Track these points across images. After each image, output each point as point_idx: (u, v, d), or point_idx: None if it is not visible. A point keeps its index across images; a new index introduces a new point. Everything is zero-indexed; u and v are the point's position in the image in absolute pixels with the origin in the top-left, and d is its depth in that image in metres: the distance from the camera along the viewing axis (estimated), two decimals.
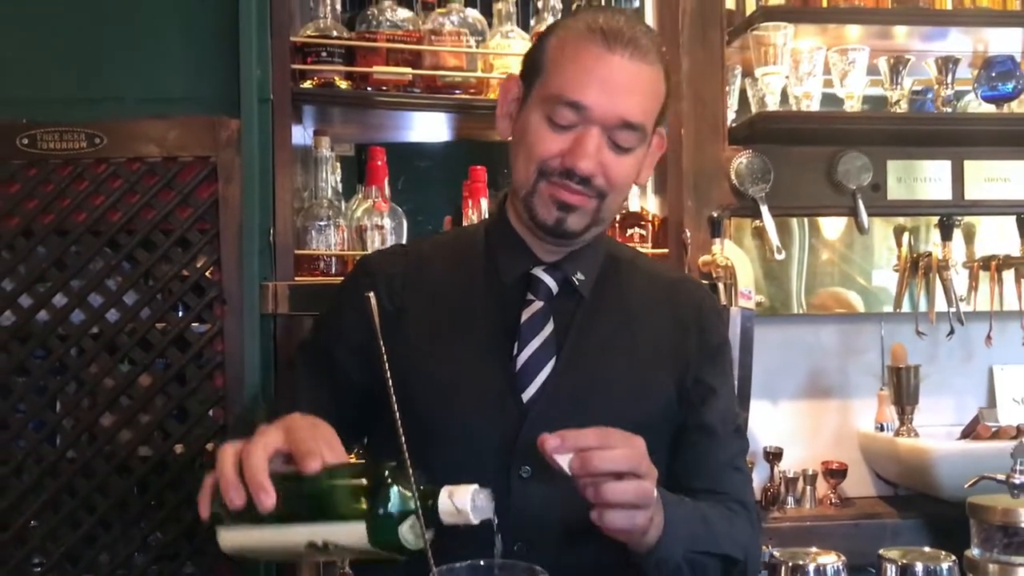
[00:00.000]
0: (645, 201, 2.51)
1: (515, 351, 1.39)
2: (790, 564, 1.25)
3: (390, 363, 1.18)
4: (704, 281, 2.28)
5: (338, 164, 2.35)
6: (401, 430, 1.02)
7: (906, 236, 2.56)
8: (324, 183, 2.24)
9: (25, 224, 1.96)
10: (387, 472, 1.02)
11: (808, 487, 2.47)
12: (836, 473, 2.49)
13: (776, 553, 1.29)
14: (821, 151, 2.48)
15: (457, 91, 2.22)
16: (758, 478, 2.48)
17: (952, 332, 2.48)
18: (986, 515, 1.28)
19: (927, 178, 2.55)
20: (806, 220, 2.58)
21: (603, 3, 2.44)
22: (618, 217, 2.38)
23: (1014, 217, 2.52)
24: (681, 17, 2.37)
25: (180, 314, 1.99)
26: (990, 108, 2.55)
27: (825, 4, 2.44)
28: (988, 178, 2.56)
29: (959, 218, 2.58)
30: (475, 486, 1.02)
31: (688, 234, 2.33)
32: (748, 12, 2.48)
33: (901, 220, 2.59)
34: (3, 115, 1.98)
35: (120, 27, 2.04)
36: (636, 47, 1.34)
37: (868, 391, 2.59)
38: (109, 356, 1.97)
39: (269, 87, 2.07)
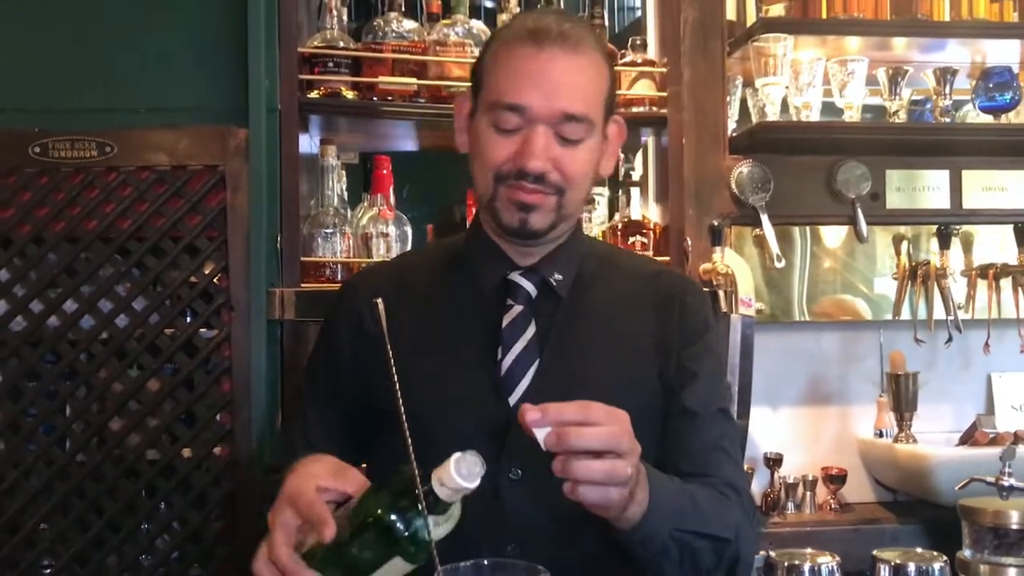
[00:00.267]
0: (647, 210, 2.53)
1: (499, 356, 1.41)
2: (786, 564, 1.27)
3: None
4: (705, 288, 2.31)
5: (344, 172, 2.38)
6: (407, 429, 1.05)
7: (905, 245, 2.57)
8: (330, 191, 2.27)
9: (36, 231, 1.99)
10: (388, 499, 1.04)
11: (808, 493, 2.48)
12: (836, 479, 2.50)
13: (773, 554, 1.31)
14: (821, 160, 2.49)
15: None
16: (758, 484, 2.50)
17: (950, 340, 2.49)
18: (977, 517, 1.31)
19: (926, 187, 2.56)
20: (808, 229, 2.59)
21: (601, 11, 2.46)
22: (620, 225, 2.41)
23: (1011, 226, 2.53)
24: (683, 28, 2.39)
25: (188, 320, 2.02)
26: (988, 118, 2.57)
27: (825, 16, 2.46)
28: (986, 187, 2.57)
29: (957, 227, 2.59)
30: (453, 458, 1.03)
31: (689, 242, 2.35)
32: (749, 23, 2.50)
33: (901, 229, 2.60)
34: (16, 124, 2.01)
35: (131, 39, 2.07)
36: (565, 40, 1.36)
37: (867, 398, 2.61)
38: (118, 361, 2.00)
39: (277, 97, 2.10)
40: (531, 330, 1.43)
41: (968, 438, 2.42)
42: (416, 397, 1.16)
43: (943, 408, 2.62)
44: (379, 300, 1.13)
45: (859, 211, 2.48)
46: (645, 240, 2.38)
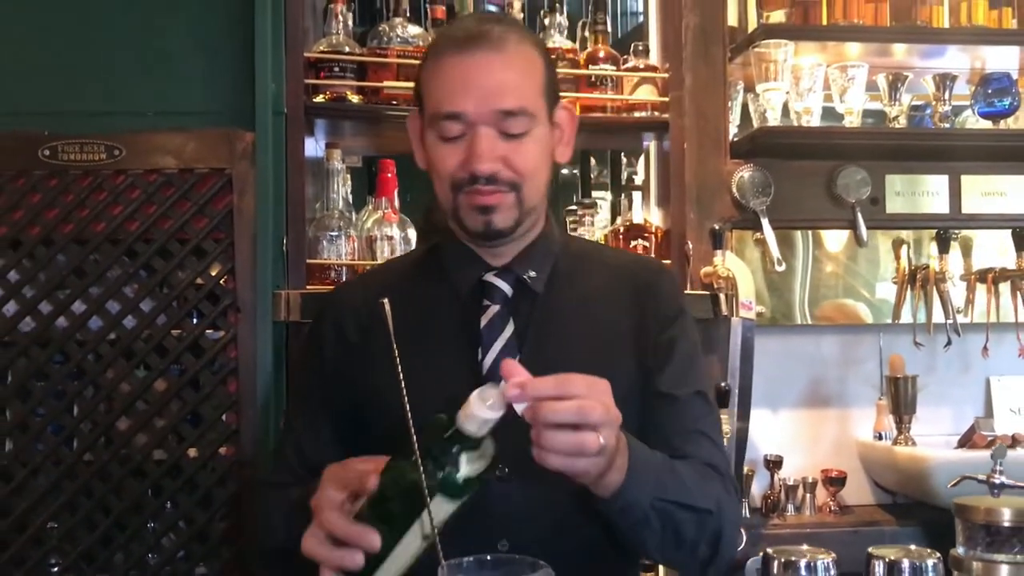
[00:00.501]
0: (648, 213, 2.56)
1: (480, 356, 1.43)
2: (782, 560, 1.29)
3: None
4: (706, 292, 2.33)
5: (348, 176, 2.40)
6: (410, 419, 1.08)
7: (905, 249, 2.59)
8: (335, 194, 2.29)
9: (46, 233, 2.01)
10: (422, 446, 1.09)
11: (808, 495, 2.49)
12: (835, 481, 2.52)
13: (770, 550, 1.33)
14: (821, 165, 2.52)
15: None
16: (758, 486, 2.52)
17: (949, 343, 2.51)
18: (970, 515, 1.33)
19: (925, 192, 2.58)
20: (809, 233, 2.60)
21: (604, 16, 2.49)
22: (622, 229, 2.43)
23: (1010, 230, 2.55)
24: (684, 34, 2.41)
25: (195, 321, 2.04)
26: (987, 124, 2.59)
27: (825, 22, 2.48)
28: (985, 192, 2.59)
29: (956, 231, 2.61)
30: (475, 393, 1.08)
31: (690, 246, 2.38)
32: (750, 29, 2.53)
33: (902, 233, 2.61)
34: (26, 127, 2.03)
35: (139, 44, 2.10)
36: (486, 40, 1.39)
37: (867, 401, 2.62)
38: (126, 362, 2.02)
39: (283, 101, 2.12)
40: (509, 329, 1.44)
41: (966, 441, 2.44)
42: (399, 400, 1.19)
43: (942, 411, 2.63)
44: (385, 300, 1.15)
45: (859, 215, 2.50)
46: (647, 243, 2.40)
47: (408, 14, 2.37)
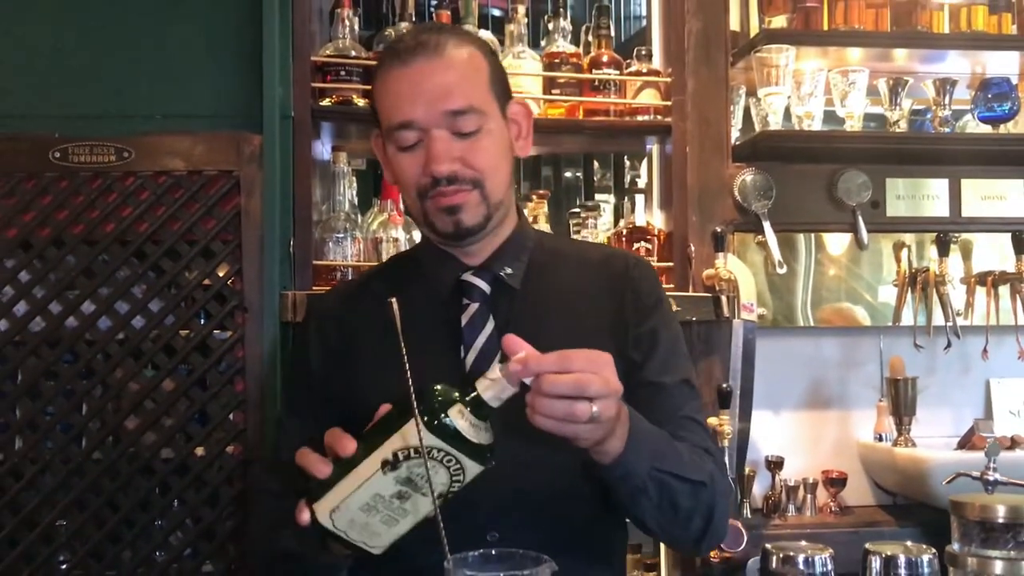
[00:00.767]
0: (651, 216, 2.57)
1: (462, 354, 1.46)
2: (780, 555, 1.32)
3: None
4: (707, 294, 2.35)
5: (354, 178, 2.43)
6: (417, 413, 1.12)
7: (905, 252, 2.60)
8: (341, 197, 2.31)
9: (56, 234, 2.03)
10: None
11: (809, 495, 2.51)
12: (836, 482, 2.53)
13: (768, 546, 1.35)
14: (822, 169, 2.54)
15: None
16: (759, 486, 2.54)
17: (949, 345, 2.53)
18: (965, 511, 1.35)
19: (925, 196, 2.60)
20: (812, 236, 2.62)
21: (607, 21, 2.50)
22: (624, 231, 2.45)
23: (1009, 234, 2.56)
24: (687, 39, 2.43)
25: (203, 321, 2.06)
26: (987, 128, 2.61)
27: (826, 27, 2.51)
28: (984, 196, 2.61)
29: (956, 235, 2.63)
30: (496, 365, 1.15)
31: (692, 248, 2.39)
32: (752, 34, 2.55)
33: (904, 236, 2.63)
34: (37, 130, 2.06)
35: (148, 47, 2.12)
36: (424, 48, 1.42)
37: (867, 402, 2.64)
38: (134, 361, 2.04)
39: (290, 104, 2.15)
40: (490, 325, 1.47)
41: (966, 442, 2.46)
42: (384, 401, 1.21)
43: (942, 413, 2.65)
44: (393, 300, 1.17)
45: (859, 219, 2.52)
46: (649, 246, 2.42)
47: (413, 18, 2.39)
